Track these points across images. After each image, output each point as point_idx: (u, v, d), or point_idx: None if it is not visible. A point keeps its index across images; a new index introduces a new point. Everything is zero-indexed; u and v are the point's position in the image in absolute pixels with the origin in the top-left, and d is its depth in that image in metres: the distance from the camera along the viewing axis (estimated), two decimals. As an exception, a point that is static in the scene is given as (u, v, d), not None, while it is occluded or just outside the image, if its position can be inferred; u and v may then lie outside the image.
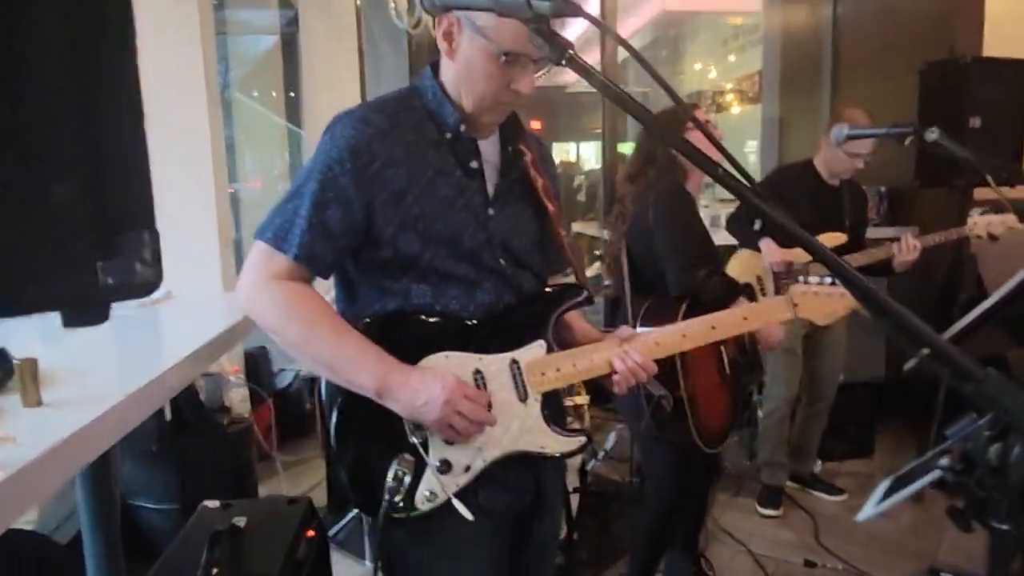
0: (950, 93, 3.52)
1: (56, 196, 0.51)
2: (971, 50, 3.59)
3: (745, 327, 1.48)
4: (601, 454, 3.69)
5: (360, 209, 1.27)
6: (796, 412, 3.51)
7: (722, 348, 2.23)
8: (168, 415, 3.09)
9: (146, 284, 0.58)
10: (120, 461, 2.80)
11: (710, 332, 1.44)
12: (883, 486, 1.06)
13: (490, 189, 1.37)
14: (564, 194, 8.00)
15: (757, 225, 3.22)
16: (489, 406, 1.30)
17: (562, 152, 11.76)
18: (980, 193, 3.85)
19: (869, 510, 1.03)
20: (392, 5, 3.64)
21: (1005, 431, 0.77)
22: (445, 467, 1.28)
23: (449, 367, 1.29)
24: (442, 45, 1.30)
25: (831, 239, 2.94)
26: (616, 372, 1.37)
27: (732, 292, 2.19)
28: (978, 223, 2.67)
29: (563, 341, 1.46)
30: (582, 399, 4.26)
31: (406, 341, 1.29)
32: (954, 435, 0.89)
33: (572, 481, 3.04)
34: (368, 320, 1.33)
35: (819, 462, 3.74)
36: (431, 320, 1.32)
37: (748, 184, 0.79)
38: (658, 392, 2.18)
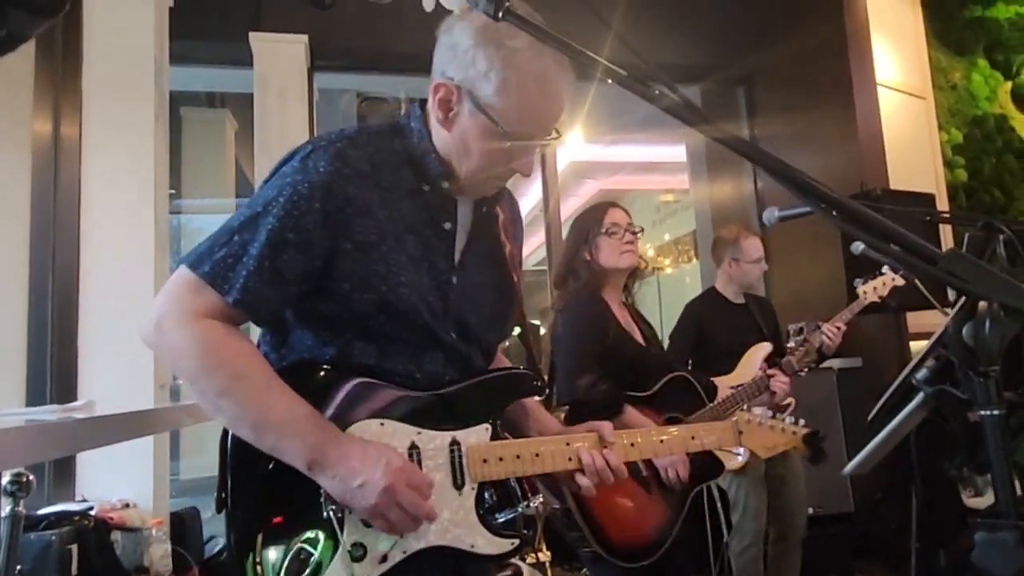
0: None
1: None
2: (880, 184, 3.91)
3: (693, 446, 1.46)
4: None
5: (320, 257, 1.12)
6: (768, 552, 3.32)
7: None
8: (75, 569, 2.76)
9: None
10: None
11: (658, 445, 1.39)
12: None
13: (457, 255, 1.25)
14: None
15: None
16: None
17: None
18: (912, 317, 4.01)
19: (857, 460, 0.95)
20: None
21: (973, 308, 0.74)
22: (359, 552, 1.10)
23: (383, 436, 1.14)
24: (436, 113, 1.18)
25: (761, 349, 3.00)
26: (583, 468, 1.25)
27: (613, 405, 2.08)
28: (867, 291, 2.84)
29: (517, 430, 1.35)
30: (544, 556, 3.97)
31: (338, 399, 1.14)
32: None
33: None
34: (293, 365, 1.17)
35: (801, 609, 3.47)
36: (371, 381, 1.16)
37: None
38: (535, 502, 1.98)
